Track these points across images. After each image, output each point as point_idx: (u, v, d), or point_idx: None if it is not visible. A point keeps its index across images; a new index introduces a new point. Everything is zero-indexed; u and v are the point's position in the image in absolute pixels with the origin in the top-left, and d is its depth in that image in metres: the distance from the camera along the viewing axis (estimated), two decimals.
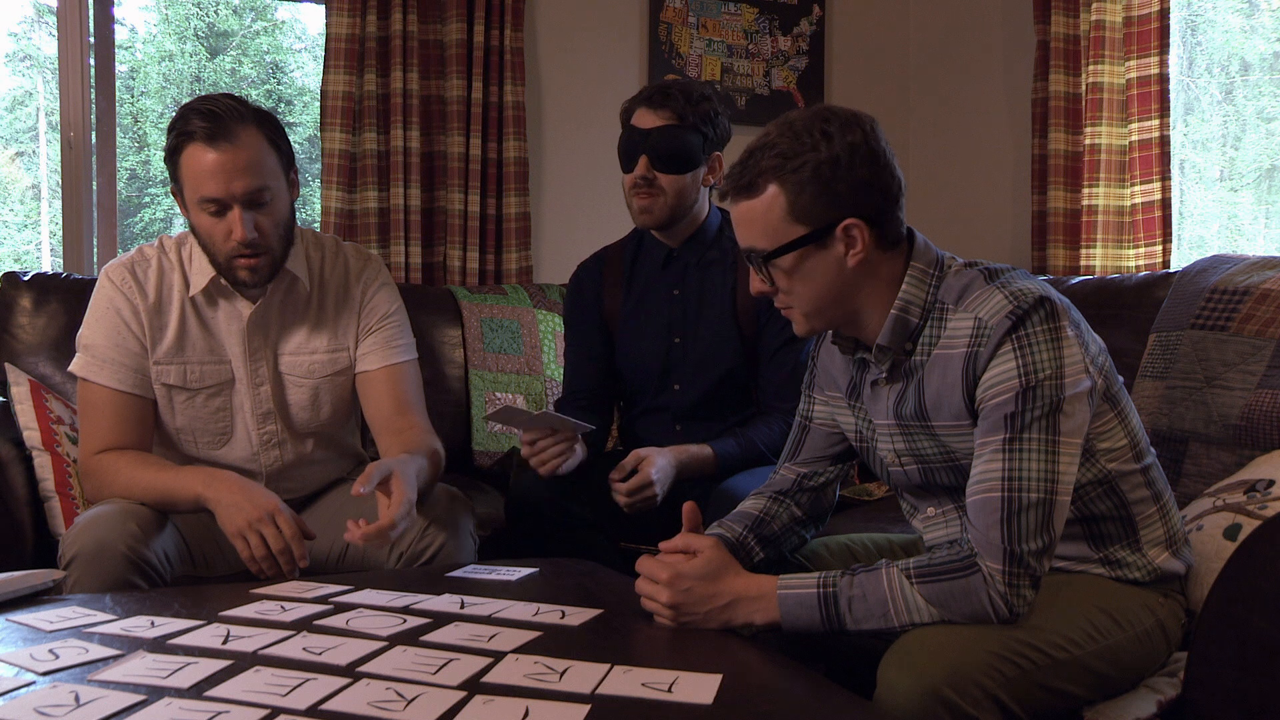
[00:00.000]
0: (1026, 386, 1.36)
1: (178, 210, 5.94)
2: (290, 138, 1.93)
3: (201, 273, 1.94)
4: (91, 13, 3.12)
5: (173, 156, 1.84)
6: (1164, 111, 3.06)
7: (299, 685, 1.17)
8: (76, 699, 1.13)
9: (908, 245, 1.50)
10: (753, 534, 1.63)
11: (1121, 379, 1.54)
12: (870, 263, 1.46)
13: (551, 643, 1.35)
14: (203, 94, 1.91)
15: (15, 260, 5.30)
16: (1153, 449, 1.56)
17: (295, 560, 1.70)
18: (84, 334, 1.94)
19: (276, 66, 6.43)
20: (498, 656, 1.28)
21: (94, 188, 3.16)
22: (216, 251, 1.87)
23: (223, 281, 1.94)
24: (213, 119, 1.80)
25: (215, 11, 6.36)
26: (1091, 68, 3.16)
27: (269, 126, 1.86)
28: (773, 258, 1.45)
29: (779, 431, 2.19)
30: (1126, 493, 1.49)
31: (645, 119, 2.17)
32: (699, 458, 2.13)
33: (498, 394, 2.99)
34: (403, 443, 1.95)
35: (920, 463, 1.53)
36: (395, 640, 1.35)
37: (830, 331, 1.60)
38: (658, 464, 2.04)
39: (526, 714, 1.10)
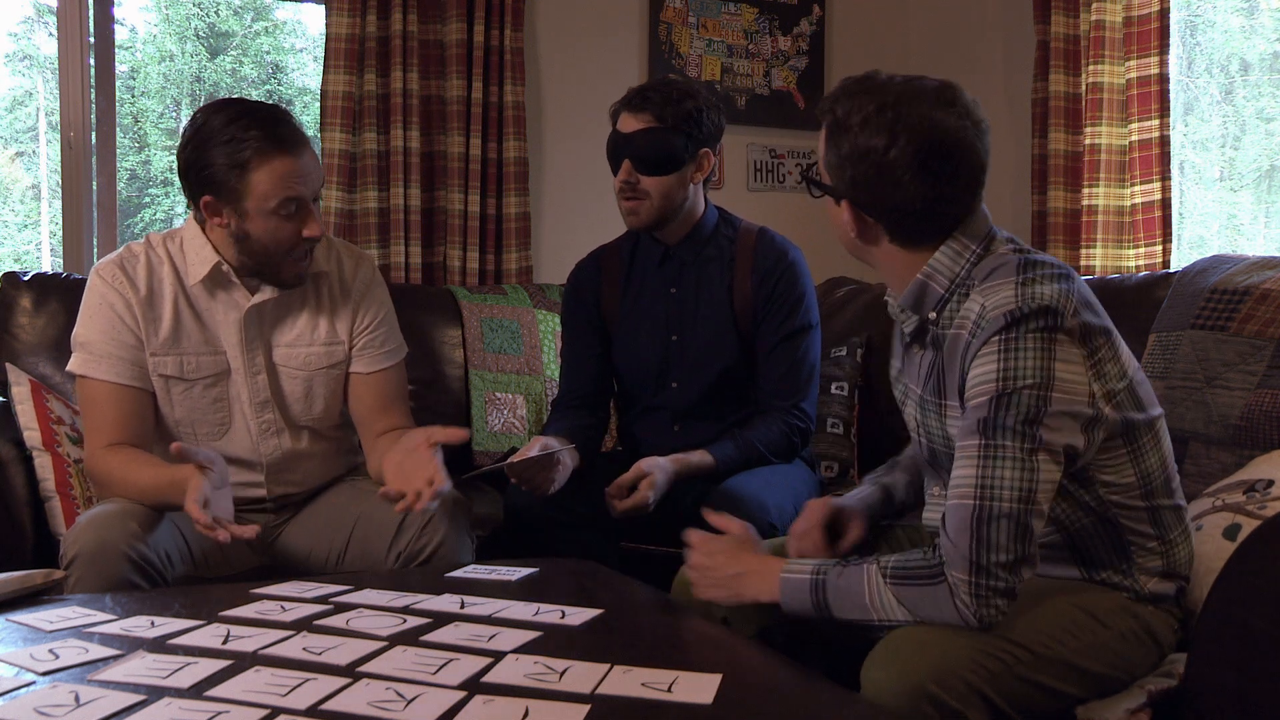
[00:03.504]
0: (1002, 392, 1.32)
1: (178, 210, 5.93)
2: None
3: (201, 263, 1.95)
4: (91, 13, 3.11)
5: (236, 171, 1.83)
6: (1164, 111, 3.06)
7: (299, 685, 1.17)
8: (76, 699, 1.13)
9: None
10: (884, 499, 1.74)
11: (1160, 412, 1.49)
12: (878, 245, 1.50)
13: (551, 643, 1.35)
14: (224, 99, 1.92)
15: (15, 260, 5.31)
16: (1179, 493, 1.51)
17: (223, 528, 1.65)
18: (79, 332, 1.94)
19: (276, 67, 6.44)
20: (498, 656, 1.28)
21: (94, 188, 3.16)
22: (281, 253, 1.90)
23: (224, 268, 1.95)
24: (283, 126, 1.86)
25: (215, 12, 6.36)
26: (1091, 68, 3.16)
27: None
28: (806, 178, 1.56)
29: (777, 431, 2.18)
30: (1126, 525, 1.46)
31: (627, 123, 2.17)
32: (700, 467, 2.13)
33: (497, 394, 2.99)
34: (388, 442, 1.98)
35: (928, 438, 1.53)
36: (395, 640, 1.35)
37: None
38: (658, 484, 2.04)
39: (526, 714, 1.10)
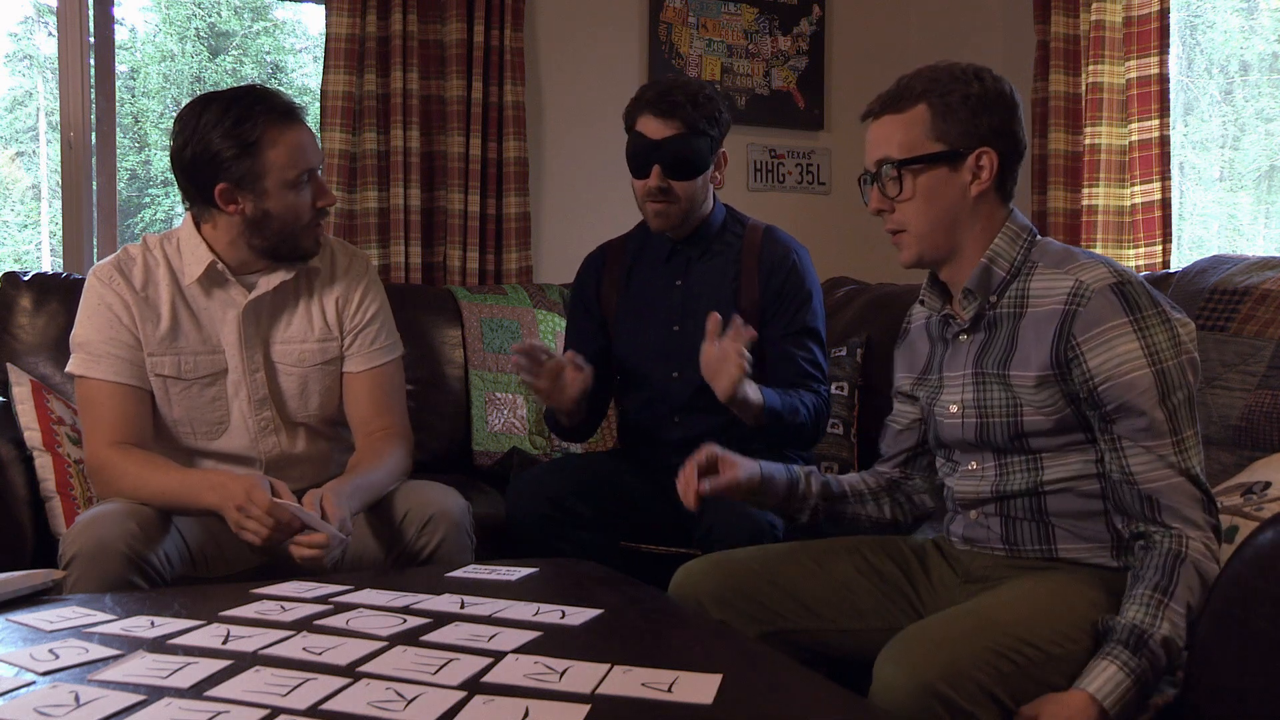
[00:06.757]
0: (1161, 381, 1.42)
1: (178, 210, 5.93)
2: None
3: (196, 262, 1.95)
4: (91, 13, 3.12)
5: (249, 151, 1.86)
6: (1164, 112, 3.06)
7: (299, 685, 1.17)
8: (76, 699, 1.13)
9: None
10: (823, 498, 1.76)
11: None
12: (986, 202, 1.57)
13: (551, 643, 1.35)
14: (202, 95, 1.93)
15: (15, 260, 5.31)
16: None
17: (291, 529, 1.73)
18: (77, 333, 1.95)
19: (277, 66, 6.44)
20: (498, 656, 1.28)
21: (94, 188, 3.16)
22: (300, 224, 1.95)
23: (219, 266, 1.95)
24: (281, 99, 1.92)
25: (216, 12, 6.36)
26: (1091, 68, 3.16)
27: None
28: (905, 164, 1.56)
29: (811, 401, 2.15)
30: None
31: (654, 128, 2.17)
32: (749, 403, 2.00)
33: (497, 394, 2.99)
34: (372, 443, 2.02)
35: (980, 416, 1.56)
36: (395, 640, 1.35)
37: (915, 306, 1.70)
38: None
39: (526, 714, 1.10)
